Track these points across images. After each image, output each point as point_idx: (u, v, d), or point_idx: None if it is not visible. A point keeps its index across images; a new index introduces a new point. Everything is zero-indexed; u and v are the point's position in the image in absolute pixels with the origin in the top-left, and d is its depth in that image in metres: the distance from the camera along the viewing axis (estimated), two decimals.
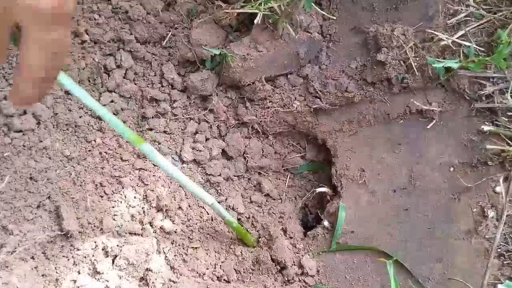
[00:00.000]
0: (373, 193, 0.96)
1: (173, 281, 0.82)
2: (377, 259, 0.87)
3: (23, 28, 0.38)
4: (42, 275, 0.72)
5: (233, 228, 0.91)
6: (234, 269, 0.95)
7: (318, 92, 1.00)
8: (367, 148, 0.99)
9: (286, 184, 1.10)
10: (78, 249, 0.76)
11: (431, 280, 0.87)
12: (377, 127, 0.98)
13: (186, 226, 0.93)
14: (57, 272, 0.73)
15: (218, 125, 1.03)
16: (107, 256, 0.78)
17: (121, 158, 0.88)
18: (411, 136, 0.95)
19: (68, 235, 0.75)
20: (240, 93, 1.03)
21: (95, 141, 0.85)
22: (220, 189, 1.01)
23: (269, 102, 1.02)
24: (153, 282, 0.80)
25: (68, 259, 0.75)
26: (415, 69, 0.90)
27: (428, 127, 0.94)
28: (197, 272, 0.89)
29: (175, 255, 0.88)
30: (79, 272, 0.75)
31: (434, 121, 0.93)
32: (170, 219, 0.90)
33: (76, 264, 0.75)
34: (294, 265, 0.96)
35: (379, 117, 0.98)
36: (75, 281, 0.74)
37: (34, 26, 0.37)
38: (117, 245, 0.80)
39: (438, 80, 0.91)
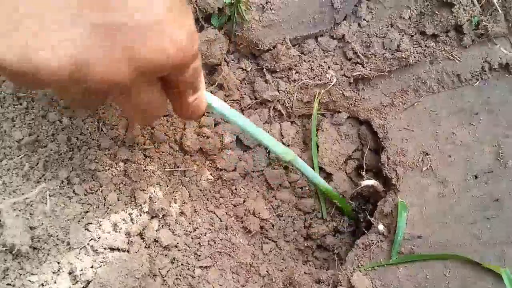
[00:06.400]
0: (444, 183, 0.70)
1: None
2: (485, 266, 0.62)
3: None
4: None
5: (327, 194, 0.78)
6: None
7: (360, 55, 0.76)
8: (430, 124, 0.74)
9: None
10: (31, 274, 0.51)
11: None
12: (443, 94, 0.74)
13: (192, 238, 0.67)
14: None
15: (230, 104, 0.78)
16: (76, 283, 0.53)
17: (99, 146, 0.63)
18: (494, 100, 0.70)
19: (15, 253, 0.50)
20: (257, 62, 0.79)
21: (60, 122, 0.61)
22: (235, 189, 0.76)
23: (296, 73, 0.79)
24: None
25: None
26: (498, 7, 0.66)
27: None
28: None
29: (176, 278, 0.62)
30: None
31: None
32: (169, 229, 0.65)
33: None
34: (341, 285, 0.70)
35: (445, 81, 0.73)
36: None
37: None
38: (91, 267, 0.55)
39: None
